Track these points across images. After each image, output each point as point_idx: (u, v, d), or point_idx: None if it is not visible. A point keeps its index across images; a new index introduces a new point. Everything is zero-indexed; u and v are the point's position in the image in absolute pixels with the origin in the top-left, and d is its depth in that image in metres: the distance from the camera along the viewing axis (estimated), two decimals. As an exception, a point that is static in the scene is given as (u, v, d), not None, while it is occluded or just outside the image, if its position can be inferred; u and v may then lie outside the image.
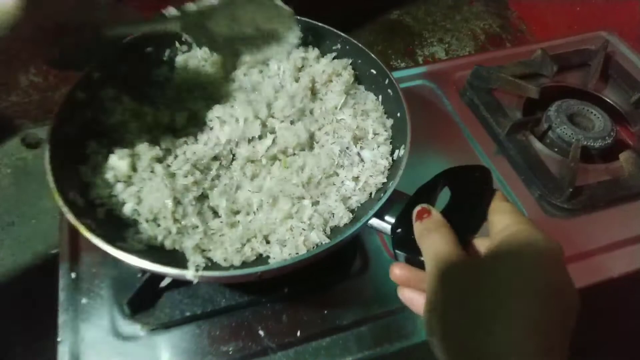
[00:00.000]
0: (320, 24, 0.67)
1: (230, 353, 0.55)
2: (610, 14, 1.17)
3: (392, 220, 0.46)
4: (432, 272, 0.36)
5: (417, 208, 0.42)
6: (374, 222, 0.47)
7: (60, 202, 0.45)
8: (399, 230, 0.44)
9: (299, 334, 0.57)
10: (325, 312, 0.59)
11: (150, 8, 0.65)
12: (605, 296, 0.72)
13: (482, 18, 1.46)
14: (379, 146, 0.59)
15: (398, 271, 0.42)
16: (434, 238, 0.39)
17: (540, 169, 0.75)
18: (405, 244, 0.42)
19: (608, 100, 0.89)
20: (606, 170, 0.77)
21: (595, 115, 0.82)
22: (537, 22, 1.40)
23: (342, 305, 0.60)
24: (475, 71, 0.88)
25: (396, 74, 0.92)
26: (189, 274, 0.44)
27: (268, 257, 0.51)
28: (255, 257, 0.51)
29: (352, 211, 0.55)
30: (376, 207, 0.47)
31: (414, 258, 0.40)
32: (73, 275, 0.61)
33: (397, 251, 0.42)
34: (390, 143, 0.61)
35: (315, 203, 0.54)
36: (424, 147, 0.79)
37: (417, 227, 0.41)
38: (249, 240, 0.52)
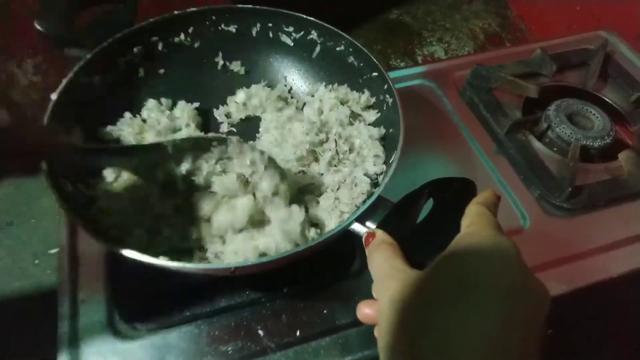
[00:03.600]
0: (326, 24, 0.67)
1: (230, 353, 0.55)
2: (610, 14, 1.17)
3: (373, 227, 0.46)
4: (377, 295, 0.36)
5: (364, 237, 0.42)
6: (356, 226, 0.47)
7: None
8: None
9: (298, 333, 0.57)
10: (325, 311, 0.59)
11: (158, 8, 0.66)
12: (605, 296, 0.72)
13: (481, 17, 1.46)
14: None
15: (367, 310, 0.40)
16: (374, 259, 0.39)
17: (540, 169, 0.75)
18: None
19: (607, 100, 0.89)
20: (605, 170, 0.77)
21: (594, 114, 0.82)
22: (536, 21, 1.40)
23: (342, 305, 0.60)
24: (474, 70, 0.88)
25: (395, 74, 0.92)
26: (161, 262, 0.44)
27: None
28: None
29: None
30: (358, 212, 0.47)
31: None
32: (73, 274, 0.61)
33: None
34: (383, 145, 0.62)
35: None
36: (423, 146, 0.79)
37: (366, 252, 0.41)
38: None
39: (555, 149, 0.79)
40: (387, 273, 0.36)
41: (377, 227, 0.45)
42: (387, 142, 0.63)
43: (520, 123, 0.81)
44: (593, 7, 1.21)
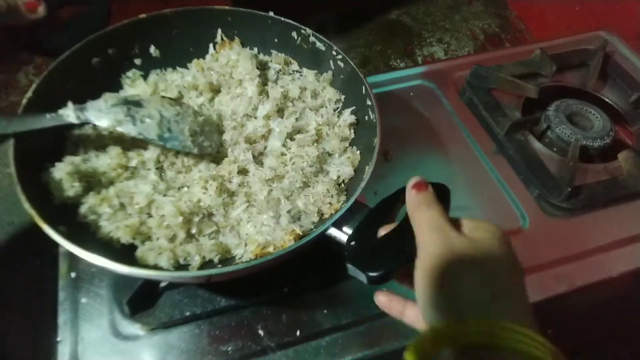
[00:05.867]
0: (324, 39, 0.67)
1: (230, 353, 0.55)
2: (609, 14, 1.17)
3: (350, 231, 0.46)
4: (431, 245, 0.37)
5: (415, 179, 0.42)
6: (333, 231, 0.47)
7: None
8: (353, 243, 0.45)
9: (298, 333, 0.57)
10: (325, 311, 0.59)
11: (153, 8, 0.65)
12: (605, 296, 0.72)
13: (481, 18, 1.46)
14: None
15: (383, 298, 0.45)
16: (431, 210, 0.40)
17: (539, 169, 0.76)
18: (357, 257, 0.42)
19: (607, 100, 0.89)
20: (605, 170, 0.78)
21: (594, 114, 0.82)
22: (536, 21, 1.40)
23: (342, 304, 0.60)
24: (474, 71, 0.88)
25: (395, 74, 0.92)
26: (134, 271, 0.44)
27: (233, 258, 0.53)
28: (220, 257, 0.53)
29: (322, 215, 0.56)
30: (334, 218, 0.47)
31: (365, 274, 0.41)
32: (73, 274, 0.61)
33: (348, 265, 0.42)
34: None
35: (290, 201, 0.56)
36: (423, 146, 0.80)
37: (413, 198, 0.41)
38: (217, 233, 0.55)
39: (554, 149, 0.79)
40: (437, 227, 0.38)
41: (353, 232, 0.46)
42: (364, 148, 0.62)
43: (520, 123, 0.81)
44: (592, 7, 1.21)
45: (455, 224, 0.40)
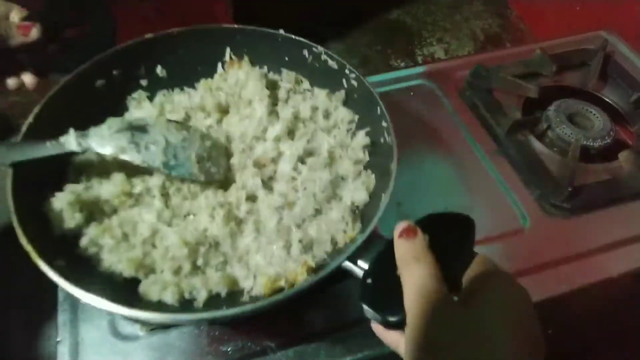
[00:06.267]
0: (336, 57, 0.65)
1: (230, 353, 0.55)
2: (610, 14, 1.17)
3: (366, 266, 0.43)
4: (416, 310, 0.34)
5: (402, 225, 0.39)
6: (347, 265, 0.45)
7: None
8: (370, 280, 0.40)
9: (298, 334, 0.57)
10: (325, 312, 0.59)
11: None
12: (605, 296, 0.72)
13: (481, 18, 1.46)
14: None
15: (378, 326, 0.40)
16: (419, 269, 0.36)
17: (540, 169, 0.75)
18: (374, 298, 0.38)
19: (607, 100, 0.89)
20: (605, 170, 0.77)
21: (594, 114, 0.82)
22: (536, 21, 1.40)
23: (342, 305, 0.60)
24: (474, 71, 0.87)
25: (396, 74, 0.92)
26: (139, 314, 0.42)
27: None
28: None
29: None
30: (349, 251, 0.45)
31: (383, 318, 0.37)
32: (72, 275, 0.61)
33: (363, 305, 0.38)
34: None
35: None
36: (423, 147, 0.79)
37: (400, 247, 0.38)
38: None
39: (555, 149, 0.79)
40: (425, 291, 0.35)
41: (369, 267, 0.43)
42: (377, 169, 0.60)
43: (521, 123, 0.81)
44: (593, 7, 1.21)
45: (455, 282, 0.37)
